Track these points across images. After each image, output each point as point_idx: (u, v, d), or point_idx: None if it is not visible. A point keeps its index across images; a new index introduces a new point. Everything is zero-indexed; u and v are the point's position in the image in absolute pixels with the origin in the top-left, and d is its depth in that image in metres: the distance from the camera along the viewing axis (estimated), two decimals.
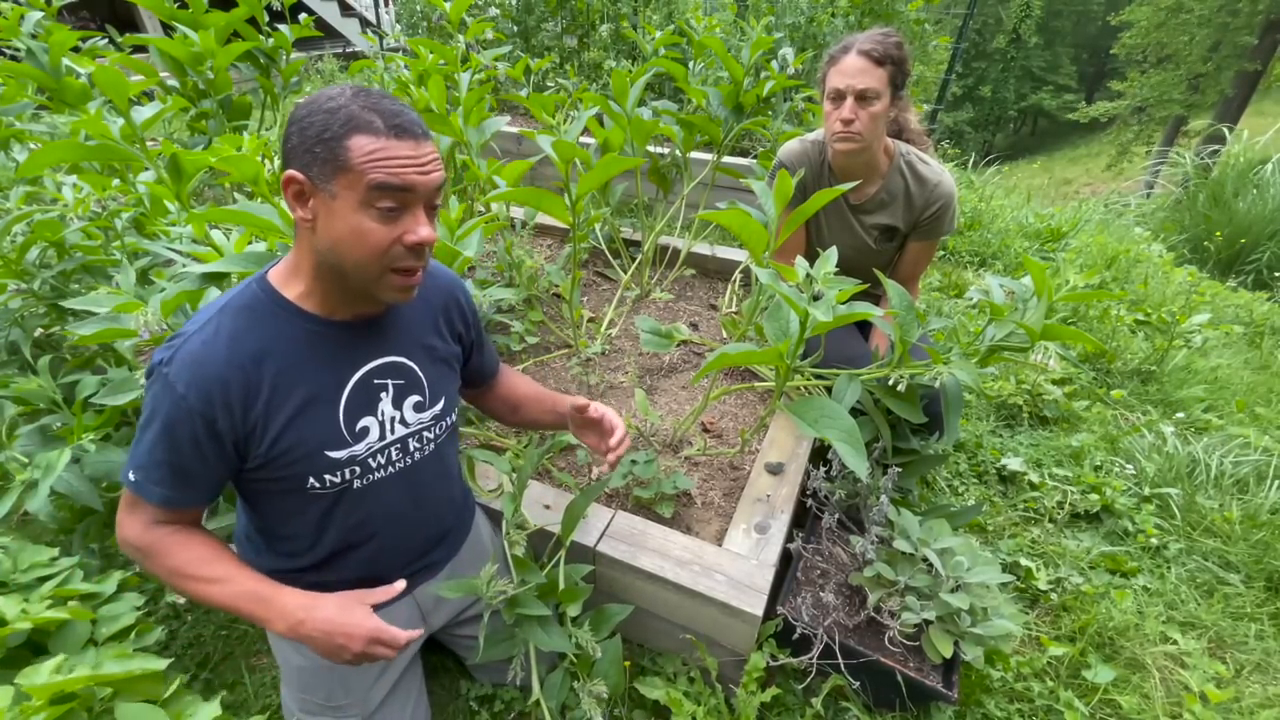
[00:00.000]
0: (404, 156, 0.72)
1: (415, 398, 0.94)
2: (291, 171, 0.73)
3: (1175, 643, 1.52)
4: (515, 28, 4.26)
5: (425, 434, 0.96)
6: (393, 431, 0.92)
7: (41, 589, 1.03)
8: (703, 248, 2.57)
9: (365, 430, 0.88)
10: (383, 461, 0.92)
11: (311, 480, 0.85)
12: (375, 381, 0.89)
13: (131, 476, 0.81)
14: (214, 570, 0.83)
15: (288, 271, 0.84)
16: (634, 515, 1.37)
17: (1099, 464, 2.02)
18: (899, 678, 1.22)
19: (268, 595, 0.83)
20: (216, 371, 0.77)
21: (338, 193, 0.72)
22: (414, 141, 0.74)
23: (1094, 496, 1.88)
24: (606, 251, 2.56)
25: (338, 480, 0.87)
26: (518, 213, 2.51)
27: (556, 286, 2.23)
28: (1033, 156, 19.67)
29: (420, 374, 0.94)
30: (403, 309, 0.93)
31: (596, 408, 1.09)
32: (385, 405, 0.90)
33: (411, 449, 0.95)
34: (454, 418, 1.03)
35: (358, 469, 0.89)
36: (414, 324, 0.95)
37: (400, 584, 0.90)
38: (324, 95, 0.73)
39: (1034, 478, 1.95)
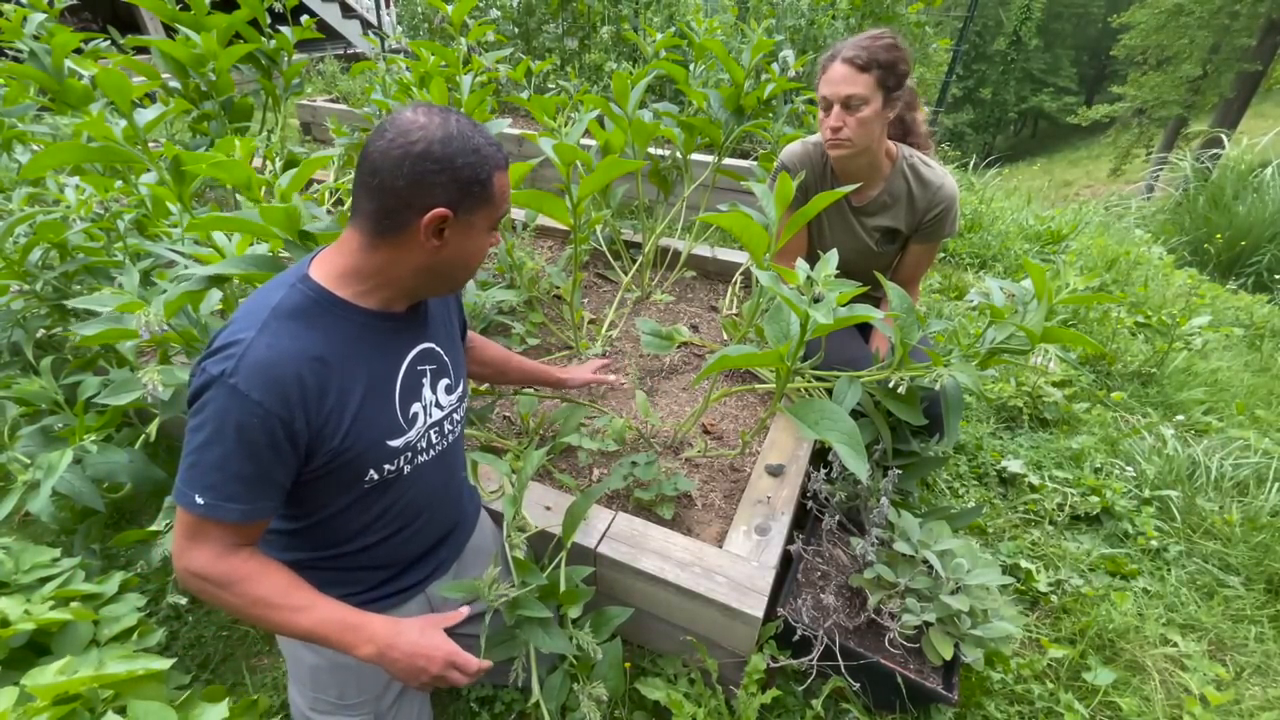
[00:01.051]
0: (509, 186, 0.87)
1: (446, 380, 0.99)
2: (443, 211, 0.79)
3: (1175, 645, 1.52)
4: (516, 30, 4.27)
5: (455, 415, 1.02)
6: (432, 415, 0.96)
7: (43, 590, 1.04)
8: (703, 249, 2.58)
9: (415, 416, 0.93)
10: (425, 445, 0.96)
11: (371, 472, 0.88)
12: (418, 368, 0.94)
13: (199, 500, 0.77)
14: (298, 598, 0.83)
15: (342, 273, 0.84)
16: (634, 517, 1.38)
17: (1099, 466, 2.02)
18: (899, 679, 1.22)
19: (356, 622, 0.84)
20: (291, 372, 0.77)
21: (476, 221, 0.83)
22: None
23: (1094, 499, 1.88)
24: (607, 253, 2.57)
25: (393, 469, 0.90)
26: (519, 214, 2.52)
27: (557, 288, 2.24)
28: (1033, 158, 19.67)
29: (446, 358, 1.00)
30: (429, 300, 0.98)
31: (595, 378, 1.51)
32: (426, 390, 0.95)
33: (446, 431, 1.00)
34: (468, 400, 1.08)
35: (410, 454, 0.92)
36: (437, 312, 1.01)
37: (465, 610, 0.96)
38: (457, 133, 0.78)
39: (1034, 480, 1.95)
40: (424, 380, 0.94)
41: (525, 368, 1.42)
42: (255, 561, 0.84)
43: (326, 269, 0.85)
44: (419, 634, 0.86)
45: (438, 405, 0.97)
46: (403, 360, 0.91)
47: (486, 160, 0.80)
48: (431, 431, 0.96)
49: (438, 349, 0.98)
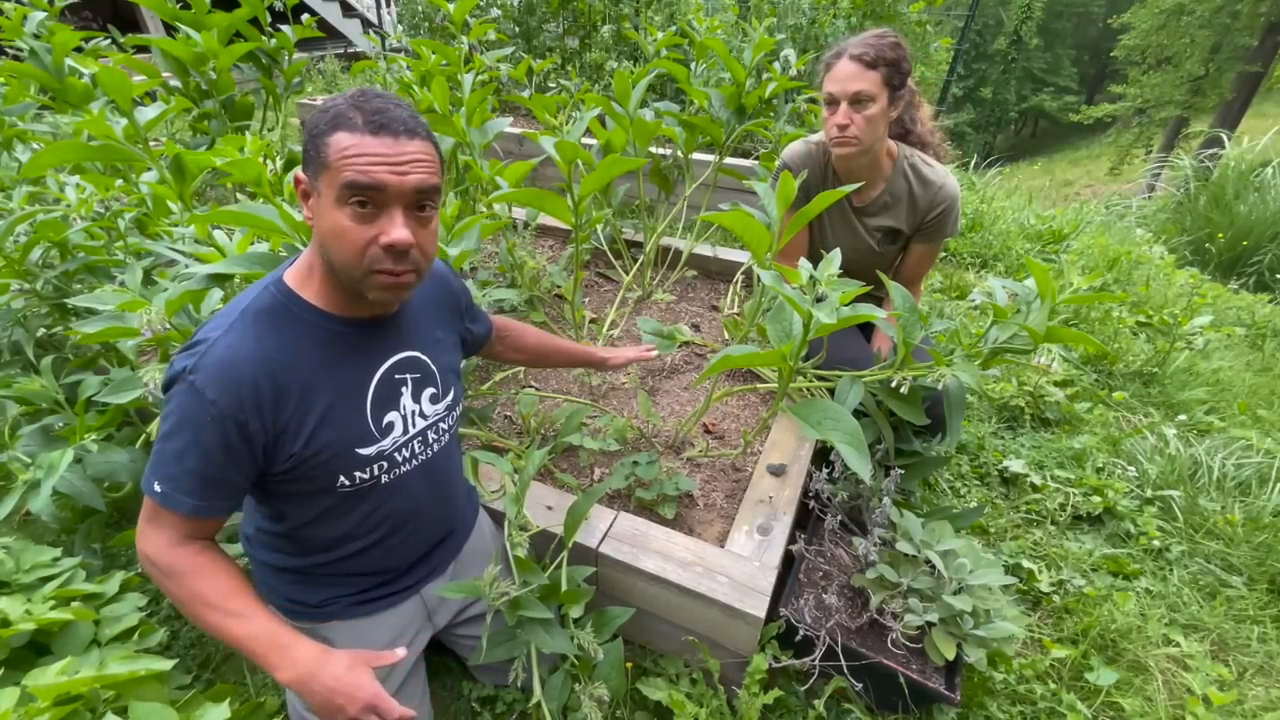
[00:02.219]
0: (376, 154, 0.72)
1: (431, 390, 0.96)
2: (297, 171, 0.77)
3: (1178, 645, 1.52)
4: (517, 29, 4.26)
5: (441, 425, 0.99)
6: (414, 425, 0.94)
7: (44, 589, 1.04)
8: (704, 249, 2.57)
9: (390, 425, 0.90)
10: (407, 455, 0.94)
11: (342, 479, 0.87)
12: (396, 377, 0.91)
13: (158, 488, 0.78)
14: (236, 604, 0.81)
15: (303, 273, 0.84)
16: (636, 516, 1.37)
17: (1101, 466, 2.02)
18: (901, 680, 1.22)
19: (285, 642, 0.80)
20: (247, 374, 0.76)
21: (322, 190, 0.74)
22: (392, 139, 0.73)
23: (1096, 499, 1.88)
24: (608, 252, 2.56)
25: (367, 477, 0.89)
26: (520, 213, 2.52)
27: (559, 287, 2.23)
28: (1033, 158, 19.65)
29: (433, 367, 0.97)
30: (411, 304, 0.95)
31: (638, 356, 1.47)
32: (406, 399, 0.92)
33: (430, 441, 0.98)
34: (461, 407, 1.05)
35: (385, 464, 0.90)
36: (423, 318, 0.98)
37: (401, 652, 0.90)
38: (331, 97, 0.76)
39: (1036, 480, 1.95)
40: (403, 389, 0.92)
41: (567, 350, 1.40)
42: (205, 557, 0.82)
43: (294, 271, 0.85)
44: (344, 670, 0.81)
45: (421, 415, 0.95)
46: (376, 369, 0.89)
47: (331, 117, 0.73)
48: (414, 441, 0.94)
49: (422, 358, 0.95)
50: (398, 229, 0.75)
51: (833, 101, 1.43)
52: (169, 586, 0.81)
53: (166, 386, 0.79)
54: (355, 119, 0.72)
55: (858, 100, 1.39)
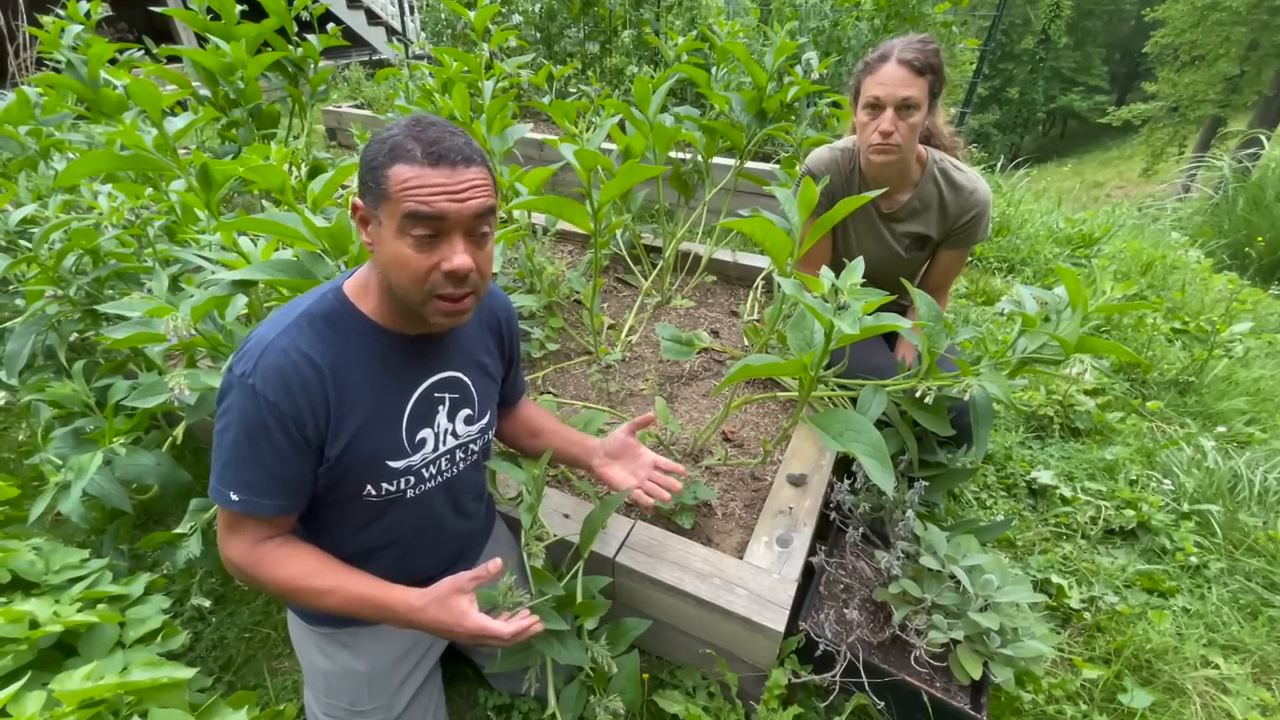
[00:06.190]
0: (436, 185, 0.73)
1: (467, 411, 0.97)
2: (356, 199, 0.78)
3: (1217, 667, 1.46)
4: (538, 35, 4.29)
5: (471, 446, 1.00)
6: (444, 443, 0.95)
7: (72, 591, 1.06)
8: (724, 254, 2.55)
9: (423, 442, 0.92)
10: (434, 472, 0.95)
11: (369, 488, 0.88)
12: (435, 395, 0.92)
13: (235, 497, 0.80)
14: (321, 582, 0.84)
15: (361, 286, 0.86)
16: (653, 526, 1.36)
17: (1134, 478, 1.95)
18: (925, 698, 1.19)
19: (381, 603, 0.85)
20: (299, 376, 0.79)
21: (383, 220, 0.76)
22: (450, 169, 0.73)
23: (1129, 512, 1.82)
24: (627, 258, 2.56)
25: (393, 489, 0.90)
26: (539, 219, 2.52)
27: (577, 293, 2.23)
28: (1062, 159, 19.21)
29: (473, 389, 0.98)
30: (462, 327, 0.95)
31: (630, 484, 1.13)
32: (441, 418, 0.94)
33: (458, 459, 0.99)
34: (494, 431, 1.06)
35: (412, 479, 0.92)
36: (472, 341, 0.98)
37: (497, 563, 0.87)
38: (388, 126, 0.76)
39: (1065, 491, 1.89)
40: (440, 408, 0.93)
41: (564, 430, 1.22)
42: (286, 546, 0.86)
43: (354, 282, 0.87)
44: (439, 608, 0.83)
45: (453, 434, 0.96)
46: (418, 385, 0.90)
47: (390, 149, 0.73)
48: (442, 459, 0.96)
49: (464, 379, 0.96)
50: (459, 255, 0.76)
51: (875, 105, 1.38)
52: (259, 577, 0.84)
53: (222, 395, 0.81)
54: (414, 150, 0.73)
55: (905, 106, 1.36)
